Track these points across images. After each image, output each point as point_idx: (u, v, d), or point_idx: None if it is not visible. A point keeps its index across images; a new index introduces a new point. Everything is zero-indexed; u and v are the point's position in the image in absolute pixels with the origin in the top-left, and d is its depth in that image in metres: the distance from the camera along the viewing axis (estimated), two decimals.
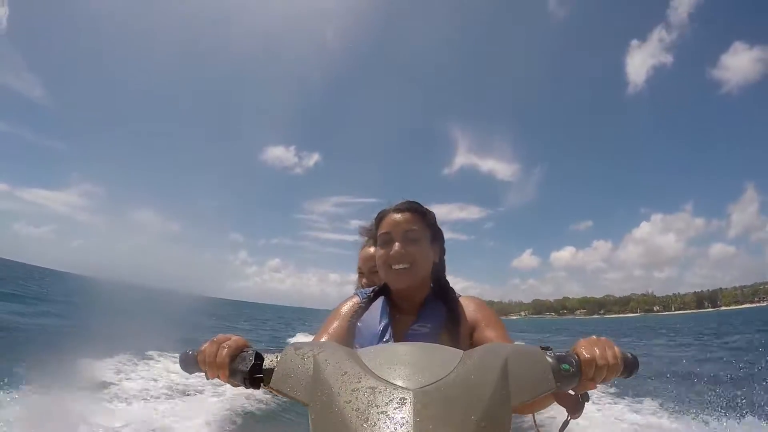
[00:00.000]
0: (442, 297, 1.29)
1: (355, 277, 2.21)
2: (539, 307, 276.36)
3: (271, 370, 0.80)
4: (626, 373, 0.86)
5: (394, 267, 1.25)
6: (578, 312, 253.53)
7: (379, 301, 1.30)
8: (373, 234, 1.38)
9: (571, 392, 0.87)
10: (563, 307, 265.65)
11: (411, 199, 1.34)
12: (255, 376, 0.83)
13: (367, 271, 1.99)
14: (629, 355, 0.86)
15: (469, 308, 1.27)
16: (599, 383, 0.83)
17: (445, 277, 1.37)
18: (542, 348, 0.83)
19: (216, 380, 0.89)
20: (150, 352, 7.87)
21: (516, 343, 0.96)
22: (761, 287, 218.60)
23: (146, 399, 5.47)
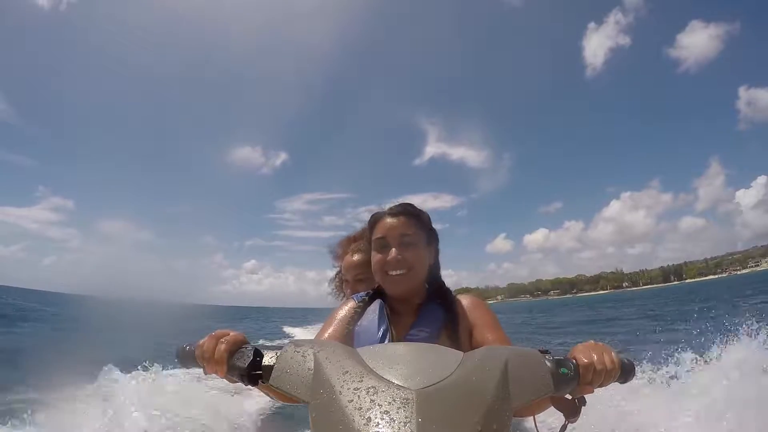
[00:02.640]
0: (440, 299, 1.28)
1: (331, 273, 2.19)
2: (514, 290, 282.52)
3: (270, 367, 0.79)
4: (623, 378, 0.87)
5: (390, 273, 1.23)
6: (552, 292, 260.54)
7: (376, 305, 1.29)
8: (367, 238, 1.35)
9: (568, 396, 0.88)
10: (537, 288, 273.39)
11: (405, 201, 1.34)
12: (254, 372, 0.81)
13: (353, 279, 1.92)
14: (626, 360, 0.88)
15: (467, 309, 1.26)
16: (596, 387, 0.85)
17: (440, 278, 1.36)
18: (541, 351, 0.83)
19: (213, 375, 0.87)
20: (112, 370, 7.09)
21: (514, 345, 0.98)
22: (726, 258, 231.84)
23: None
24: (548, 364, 0.79)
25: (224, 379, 0.86)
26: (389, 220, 1.27)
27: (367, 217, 1.38)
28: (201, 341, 0.86)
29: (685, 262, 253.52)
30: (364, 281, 1.83)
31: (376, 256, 1.27)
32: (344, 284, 2.01)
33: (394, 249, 1.23)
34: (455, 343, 1.16)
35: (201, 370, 0.88)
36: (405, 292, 1.26)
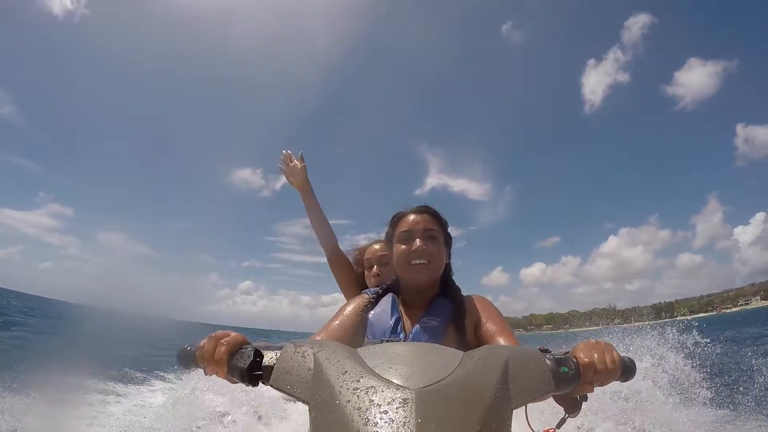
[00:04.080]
0: (450, 295, 1.36)
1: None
2: (508, 323, 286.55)
3: (270, 368, 0.79)
4: (624, 377, 0.86)
5: (413, 262, 1.31)
6: (545, 327, 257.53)
7: (389, 297, 1.39)
8: (387, 235, 1.44)
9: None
10: (530, 323, 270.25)
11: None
12: (254, 373, 0.82)
13: (378, 261, 2.03)
14: (627, 359, 0.87)
15: (474, 305, 1.33)
16: (597, 386, 0.84)
17: (452, 277, 1.43)
18: (541, 350, 0.83)
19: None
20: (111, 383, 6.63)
21: (515, 345, 1.01)
22: (718, 296, 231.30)
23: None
24: (549, 363, 0.79)
25: (225, 380, 0.87)
26: (414, 216, 1.37)
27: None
28: (201, 342, 0.87)
29: (676, 300, 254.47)
30: (388, 265, 1.92)
31: (400, 248, 1.34)
32: (368, 270, 2.07)
33: (418, 240, 1.32)
34: (462, 335, 1.26)
35: (201, 371, 0.88)
36: (425, 282, 1.33)
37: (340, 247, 2.25)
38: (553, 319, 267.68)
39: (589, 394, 0.89)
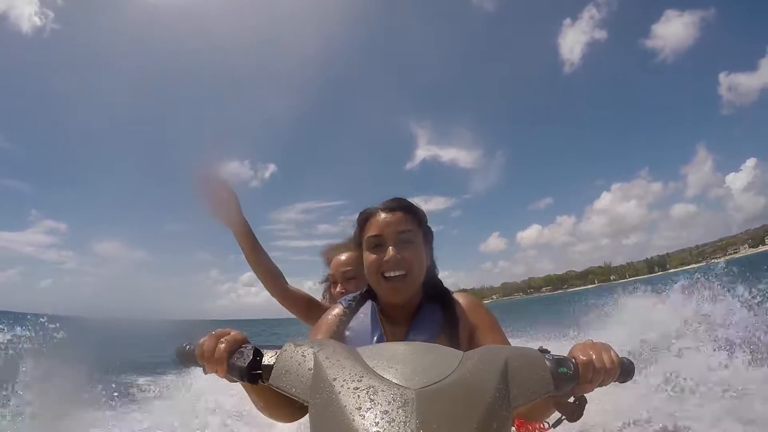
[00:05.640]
0: (437, 299, 1.20)
1: (317, 285, 2.08)
2: (508, 289, 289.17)
3: (270, 367, 0.79)
4: (623, 377, 0.87)
5: (387, 274, 1.12)
6: (544, 289, 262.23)
7: (368, 308, 1.21)
8: (356, 237, 1.23)
9: (571, 399, 0.87)
10: (529, 286, 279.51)
11: (398, 196, 1.21)
12: (253, 372, 0.81)
13: (341, 277, 1.81)
14: (626, 359, 0.88)
15: (465, 310, 1.18)
16: (596, 386, 0.84)
17: (437, 277, 1.26)
18: (540, 350, 0.83)
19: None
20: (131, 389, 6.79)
21: (514, 345, 0.97)
22: (709, 246, 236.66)
23: None
24: (548, 363, 0.79)
25: (224, 379, 0.85)
26: (384, 215, 1.15)
27: None
28: (201, 340, 0.85)
29: (668, 253, 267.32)
30: (354, 279, 1.77)
31: (369, 257, 1.14)
32: (332, 286, 1.87)
33: (391, 248, 1.12)
34: (454, 345, 1.08)
35: (201, 369, 0.86)
36: (402, 300, 1.15)
37: (287, 281, 1.87)
38: (551, 281, 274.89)
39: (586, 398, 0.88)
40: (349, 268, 1.81)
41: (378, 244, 1.14)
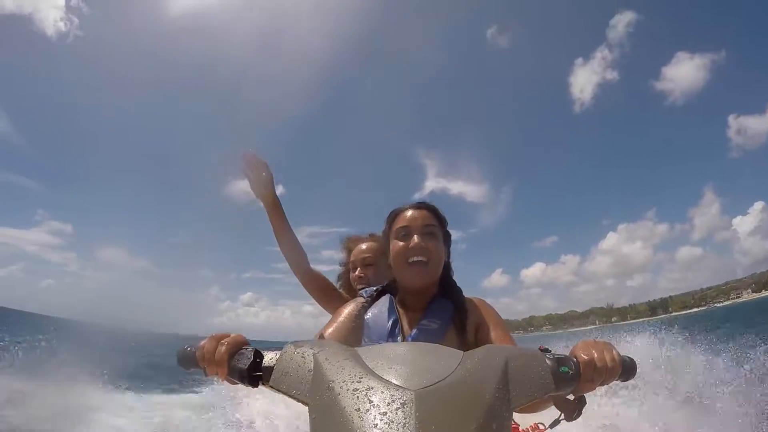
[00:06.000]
0: (450, 295, 1.31)
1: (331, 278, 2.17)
2: (509, 326, 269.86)
3: (270, 369, 0.79)
4: (624, 376, 0.87)
5: (411, 260, 1.25)
6: (545, 328, 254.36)
7: (386, 299, 1.34)
8: (384, 232, 1.39)
9: (570, 397, 0.88)
10: (530, 324, 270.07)
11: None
12: (254, 374, 0.82)
13: (361, 263, 1.99)
14: (628, 358, 0.88)
15: (474, 307, 1.29)
16: (598, 386, 0.84)
17: (452, 277, 1.38)
18: (541, 350, 0.83)
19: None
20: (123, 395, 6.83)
21: (515, 345, 0.99)
22: (712, 290, 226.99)
23: None
24: (549, 362, 0.79)
25: (225, 381, 0.87)
26: (412, 211, 1.31)
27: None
28: (201, 343, 0.87)
29: (671, 296, 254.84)
30: (372, 265, 1.94)
31: (397, 245, 1.28)
32: (351, 271, 2.04)
33: (416, 236, 1.26)
34: (463, 337, 1.21)
35: (202, 372, 0.88)
36: (423, 285, 1.27)
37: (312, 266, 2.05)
38: (552, 320, 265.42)
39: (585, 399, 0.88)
40: (369, 254, 2.00)
41: (405, 234, 1.28)
